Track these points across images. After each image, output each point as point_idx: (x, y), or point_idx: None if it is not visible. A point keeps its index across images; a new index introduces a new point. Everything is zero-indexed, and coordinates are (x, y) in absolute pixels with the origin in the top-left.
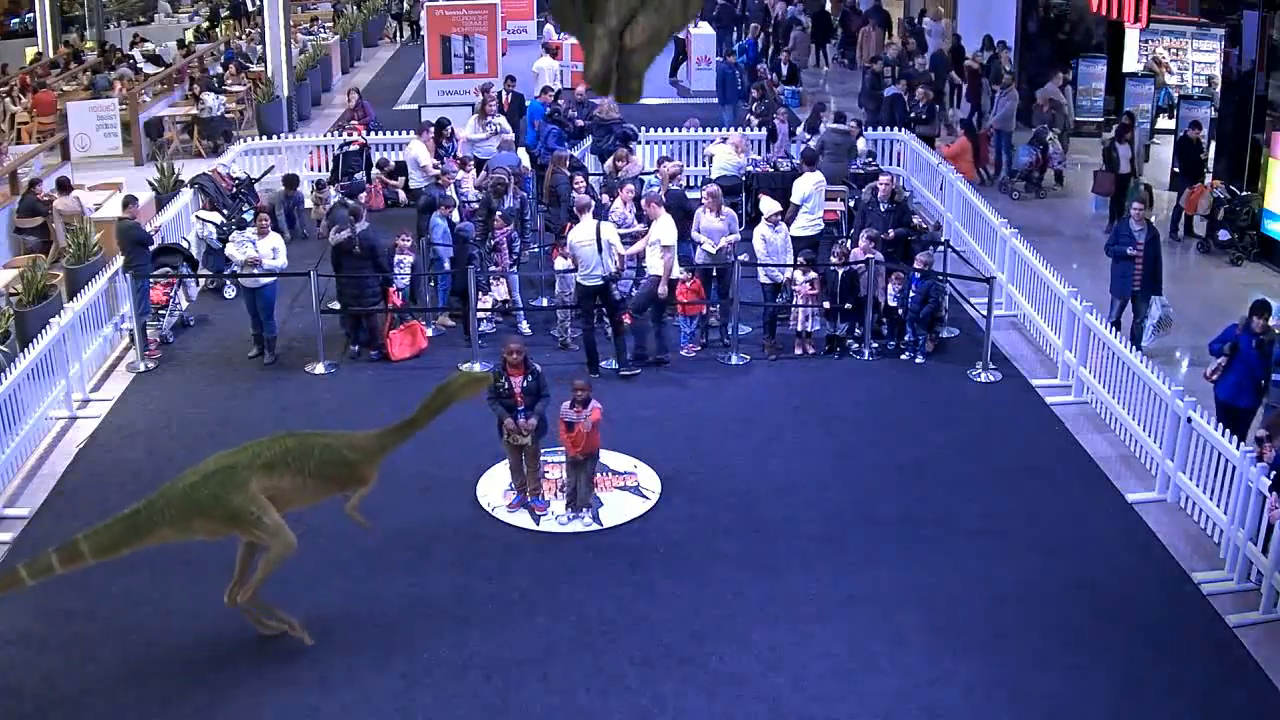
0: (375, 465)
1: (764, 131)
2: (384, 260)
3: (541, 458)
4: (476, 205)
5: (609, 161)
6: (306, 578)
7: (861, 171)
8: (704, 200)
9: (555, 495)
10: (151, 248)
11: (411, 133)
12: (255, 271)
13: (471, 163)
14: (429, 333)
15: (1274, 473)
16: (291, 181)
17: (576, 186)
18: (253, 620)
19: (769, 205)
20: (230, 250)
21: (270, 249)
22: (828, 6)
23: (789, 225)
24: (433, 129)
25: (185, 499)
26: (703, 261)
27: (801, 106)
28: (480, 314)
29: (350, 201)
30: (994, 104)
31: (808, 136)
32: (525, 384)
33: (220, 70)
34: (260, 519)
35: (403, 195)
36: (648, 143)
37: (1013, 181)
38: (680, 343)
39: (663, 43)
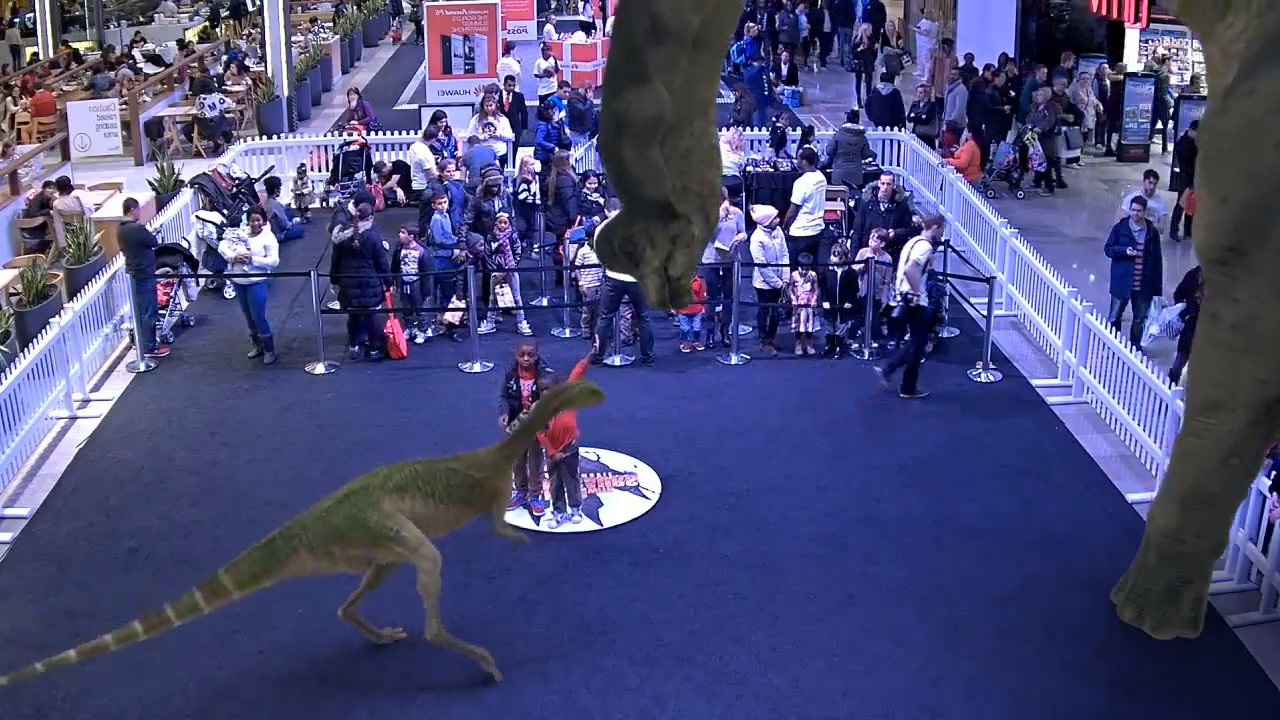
0: (506, 476)
1: (763, 131)
2: (384, 259)
3: (543, 458)
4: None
5: None
6: (306, 579)
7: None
8: None
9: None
10: (154, 248)
11: (417, 134)
12: (249, 269)
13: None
14: (429, 332)
15: (1274, 473)
16: (273, 185)
17: (588, 186)
18: (461, 650)
19: (762, 211)
20: (222, 248)
21: (262, 246)
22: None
23: (789, 226)
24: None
25: (321, 524)
26: (712, 261)
27: (801, 106)
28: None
29: (354, 207)
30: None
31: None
32: (534, 388)
33: (221, 70)
34: (399, 533)
35: (401, 195)
36: None
37: (990, 179)
38: (681, 338)
39: (695, 260)
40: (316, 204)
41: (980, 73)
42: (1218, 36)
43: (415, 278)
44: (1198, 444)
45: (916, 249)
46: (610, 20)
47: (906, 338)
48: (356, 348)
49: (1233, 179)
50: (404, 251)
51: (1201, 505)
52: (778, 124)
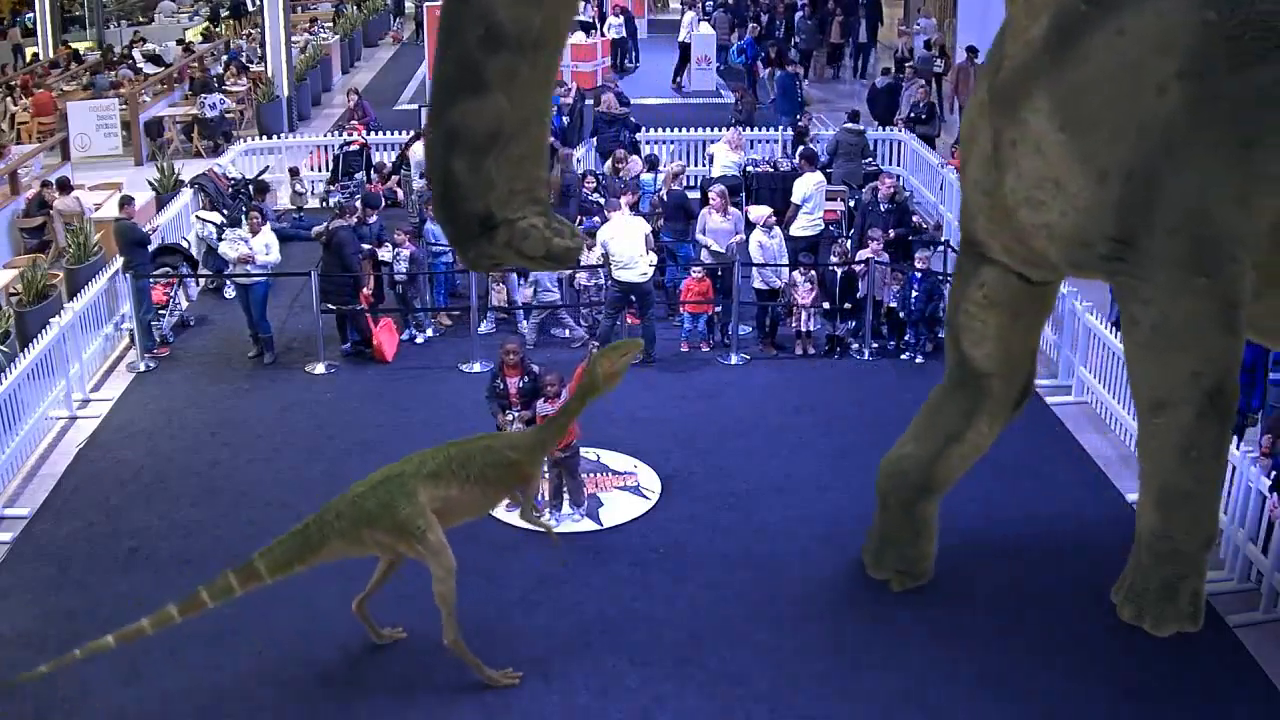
0: (538, 463)
1: (772, 132)
2: (349, 259)
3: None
4: None
5: (608, 163)
6: (306, 578)
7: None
8: (711, 201)
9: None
10: (150, 247)
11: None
12: (251, 269)
13: None
14: (429, 332)
15: (1274, 473)
16: (261, 188)
17: (586, 186)
18: (470, 663)
19: (758, 211)
20: (224, 249)
21: (263, 245)
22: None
23: (789, 226)
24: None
25: (354, 509)
26: (710, 262)
27: (804, 105)
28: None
29: (364, 204)
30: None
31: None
32: (521, 385)
33: (221, 70)
34: (425, 534)
35: (401, 195)
36: (648, 143)
37: None
38: (681, 336)
39: (550, 226)
40: (316, 204)
41: None
42: None
43: (405, 276)
44: (1155, 444)
45: None
46: (436, 29)
47: None
48: (348, 345)
49: (1110, 141)
50: (397, 250)
51: (1179, 503)
52: (800, 122)
